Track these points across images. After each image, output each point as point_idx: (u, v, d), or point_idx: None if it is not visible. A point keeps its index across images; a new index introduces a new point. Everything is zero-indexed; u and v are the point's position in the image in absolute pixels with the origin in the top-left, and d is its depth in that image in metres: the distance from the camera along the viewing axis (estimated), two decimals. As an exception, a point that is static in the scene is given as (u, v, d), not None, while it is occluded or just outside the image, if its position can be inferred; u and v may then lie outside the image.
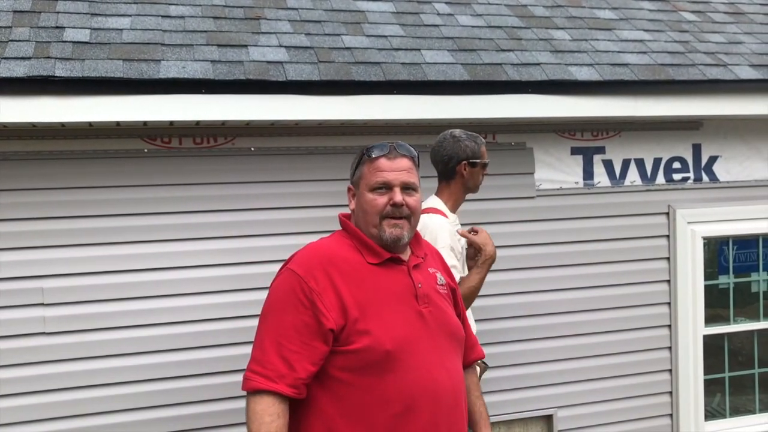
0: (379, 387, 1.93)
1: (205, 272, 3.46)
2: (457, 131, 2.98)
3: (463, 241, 3.03)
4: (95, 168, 3.33)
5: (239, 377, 2.00)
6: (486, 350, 3.84)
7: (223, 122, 3.34)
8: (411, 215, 2.09)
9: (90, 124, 3.15)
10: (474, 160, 2.94)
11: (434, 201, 2.96)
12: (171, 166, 3.43)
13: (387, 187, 2.06)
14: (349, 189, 2.18)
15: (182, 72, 3.14)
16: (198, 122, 3.31)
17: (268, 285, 2.07)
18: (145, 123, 3.25)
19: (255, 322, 2.02)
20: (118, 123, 3.17)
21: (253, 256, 3.51)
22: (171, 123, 3.30)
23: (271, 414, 1.88)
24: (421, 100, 3.42)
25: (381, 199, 2.05)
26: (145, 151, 3.40)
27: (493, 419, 3.91)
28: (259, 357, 1.93)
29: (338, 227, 2.19)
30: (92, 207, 3.32)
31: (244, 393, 1.95)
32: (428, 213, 2.82)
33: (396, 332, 1.96)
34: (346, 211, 2.23)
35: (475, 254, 2.92)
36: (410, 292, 2.06)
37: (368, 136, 3.60)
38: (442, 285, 2.21)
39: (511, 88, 3.55)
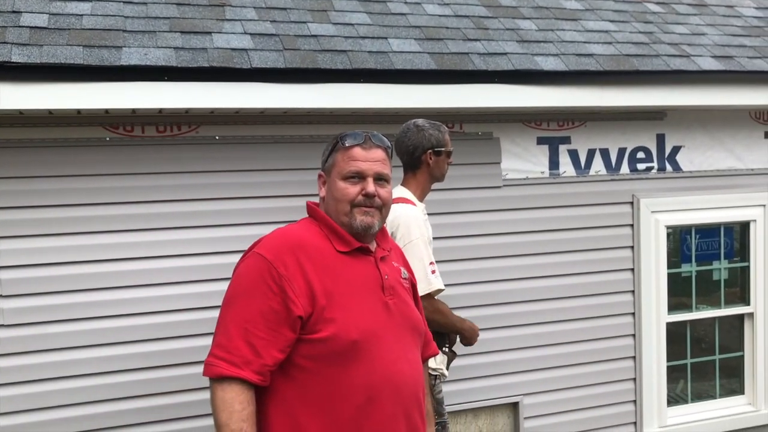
0: (343, 377, 1.92)
1: (168, 263, 3.41)
2: (420, 120, 2.98)
3: (431, 230, 3.03)
4: (55, 157, 3.26)
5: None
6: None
7: (187, 110, 3.29)
8: (382, 206, 2.08)
9: (50, 111, 3.08)
10: (438, 149, 2.94)
11: (402, 191, 2.95)
12: (134, 155, 3.37)
13: (360, 176, 2.04)
14: (320, 176, 2.14)
15: (144, 59, 3.08)
16: (161, 110, 3.25)
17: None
18: (106, 111, 3.18)
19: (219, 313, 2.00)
20: (78, 111, 3.10)
21: (218, 247, 3.47)
22: (133, 111, 3.24)
23: (241, 402, 1.86)
24: (387, 88, 3.40)
25: (353, 189, 2.03)
26: (107, 139, 3.34)
27: (460, 407, 3.96)
28: (223, 342, 1.89)
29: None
30: (52, 197, 3.25)
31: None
32: (398, 203, 2.81)
33: (362, 322, 1.95)
34: (314, 200, 2.20)
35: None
36: (377, 282, 2.05)
37: (335, 125, 3.58)
38: (405, 279, 2.21)
39: (478, 77, 3.55)
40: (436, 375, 2.94)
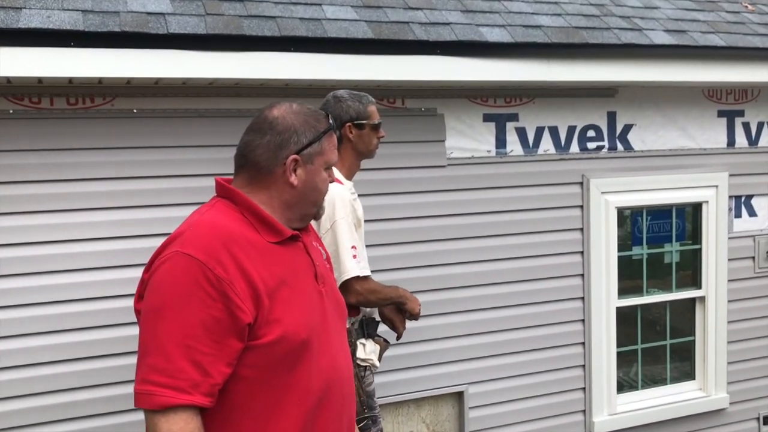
0: (291, 381, 1.70)
1: (78, 247, 3.13)
2: (341, 92, 2.77)
3: (361, 211, 2.82)
4: (-49, 130, 2.96)
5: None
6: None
7: (100, 80, 3.02)
8: None
9: (-60, 79, 2.78)
10: (359, 122, 2.72)
11: None
12: (42, 129, 3.08)
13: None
14: (294, 160, 1.78)
15: (47, 22, 2.79)
16: (71, 80, 2.97)
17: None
18: (8, 80, 2.89)
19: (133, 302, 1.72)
20: (-27, 79, 2.81)
21: (136, 229, 3.20)
22: (39, 80, 2.95)
23: (192, 431, 1.58)
24: (320, 58, 3.16)
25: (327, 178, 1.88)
26: (11, 111, 3.04)
27: (402, 398, 3.77)
28: (161, 365, 1.57)
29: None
30: (-52, 174, 2.96)
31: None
32: None
33: (307, 318, 1.74)
34: (224, 177, 1.94)
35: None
36: (310, 271, 1.84)
37: (264, 97, 3.33)
38: (326, 260, 2.03)
39: (419, 48, 3.33)
40: (366, 366, 2.73)
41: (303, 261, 1.84)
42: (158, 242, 3.12)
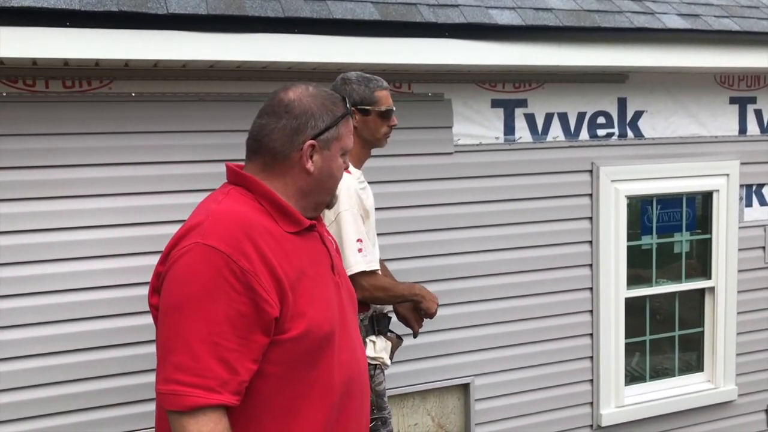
0: (315, 375, 1.63)
1: (77, 235, 3.03)
2: (351, 74, 2.64)
3: (372, 200, 2.71)
4: (-58, 113, 2.85)
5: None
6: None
7: (97, 62, 2.90)
8: None
9: (-70, 60, 2.67)
10: (364, 107, 2.59)
11: None
12: (36, 113, 2.97)
13: None
14: (312, 145, 1.70)
15: (41, 1, 2.67)
16: (66, 62, 2.86)
17: (155, 249, 1.68)
18: (1, 61, 2.78)
19: (142, 291, 1.62)
20: (-35, 60, 2.70)
21: (135, 217, 3.10)
22: (34, 62, 2.84)
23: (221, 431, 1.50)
24: (326, 41, 3.05)
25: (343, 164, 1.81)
26: (4, 95, 2.92)
27: (407, 390, 3.69)
28: (188, 364, 1.48)
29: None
30: (-61, 159, 2.85)
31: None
32: None
33: (329, 310, 1.68)
34: (236, 163, 1.84)
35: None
36: (327, 262, 1.78)
37: (267, 81, 3.23)
38: (336, 250, 1.96)
39: (427, 31, 3.22)
40: (375, 365, 2.63)
41: (320, 252, 1.78)
42: (156, 230, 3.05)
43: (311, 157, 1.69)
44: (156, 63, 2.97)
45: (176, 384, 1.48)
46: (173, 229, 1.69)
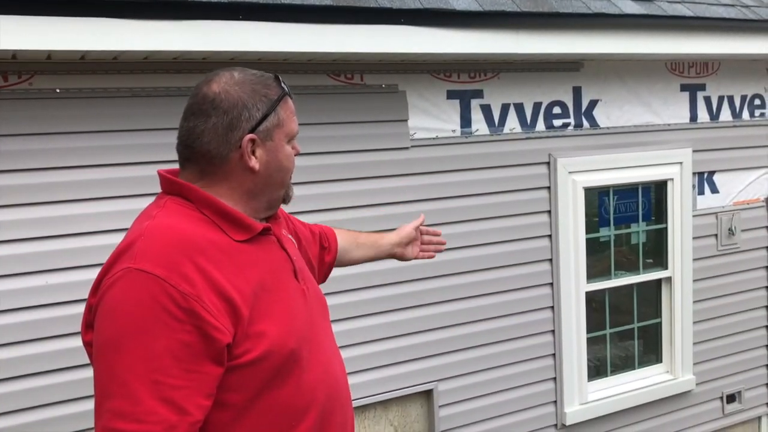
0: (282, 400, 1.42)
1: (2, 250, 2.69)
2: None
3: None
4: None
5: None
6: (355, 324, 3.39)
7: (14, 54, 2.57)
8: None
9: None
10: None
11: None
12: (-56, 113, 2.61)
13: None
14: (251, 140, 1.48)
15: (-55, -17, 2.33)
16: (-22, 54, 2.51)
17: (91, 263, 1.42)
18: None
19: (73, 310, 1.36)
20: None
21: (62, 228, 2.76)
22: (-61, 55, 2.49)
23: None
24: (272, 28, 2.80)
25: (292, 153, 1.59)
26: None
27: (367, 401, 3.49)
28: (127, 409, 1.27)
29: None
30: None
31: None
32: None
33: (293, 324, 1.46)
34: (167, 168, 1.58)
35: None
36: (288, 268, 1.56)
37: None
38: (300, 248, 1.75)
39: (381, 17, 3.01)
40: None
41: (279, 258, 1.55)
42: (85, 244, 2.72)
43: (253, 153, 1.49)
44: (83, 55, 2.66)
45: None
46: (106, 241, 1.44)
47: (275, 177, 1.53)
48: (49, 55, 2.62)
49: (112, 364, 1.30)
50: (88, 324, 1.39)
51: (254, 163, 1.48)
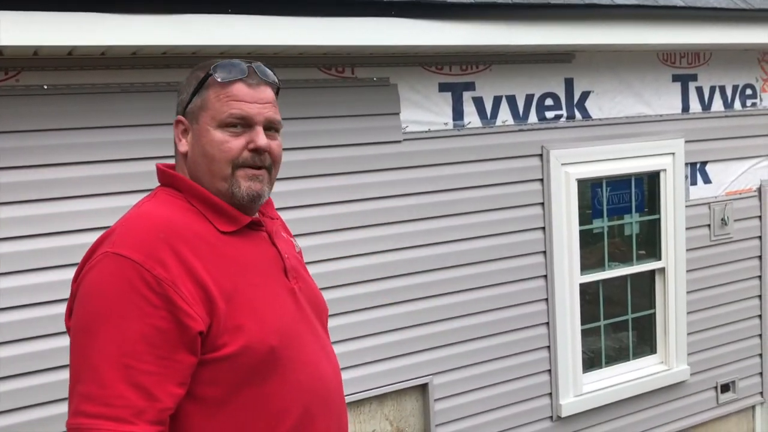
0: (262, 400, 1.40)
1: (-13, 249, 2.66)
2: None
3: None
4: None
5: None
6: (349, 318, 3.37)
7: (0, 50, 2.53)
8: (272, 166, 1.52)
9: None
10: None
11: None
12: (-71, 111, 2.58)
13: (245, 124, 1.46)
14: (178, 122, 1.50)
15: (-72, -22, 2.29)
16: (-37, 51, 2.48)
17: (78, 261, 1.42)
18: None
19: (60, 310, 1.36)
20: None
21: (51, 226, 2.74)
22: (-77, 52, 2.45)
23: None
24: (261, 21, 2.77)
25: (236, 142, 1.46)
26: None
27: (363, 395, 3.47)
28: (95, 392, 1.27)
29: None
30: None
31: None
32: None
33: (276, 321, 1.44)
34: (166, 162, 1.59)
35: None
36: (278, 265, 1.53)
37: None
38: (299, 252, 1.71)
39: (372, 9, 2.99)
40: None
41: (268, 253, 1.53)
42: (73, 242, 2.69)
43: (184, 134, 1.51)
44: (71, 50, 2.63)
45: (83, 416, 1.28)
46: (94, 239, 1.44)
47: (201, 164, 1.48)
48: (36, 50, 2.59)
49: (86, 347, 1.31)
50: (71, 310, 1.40)
51: (183, 146, 1.51)
